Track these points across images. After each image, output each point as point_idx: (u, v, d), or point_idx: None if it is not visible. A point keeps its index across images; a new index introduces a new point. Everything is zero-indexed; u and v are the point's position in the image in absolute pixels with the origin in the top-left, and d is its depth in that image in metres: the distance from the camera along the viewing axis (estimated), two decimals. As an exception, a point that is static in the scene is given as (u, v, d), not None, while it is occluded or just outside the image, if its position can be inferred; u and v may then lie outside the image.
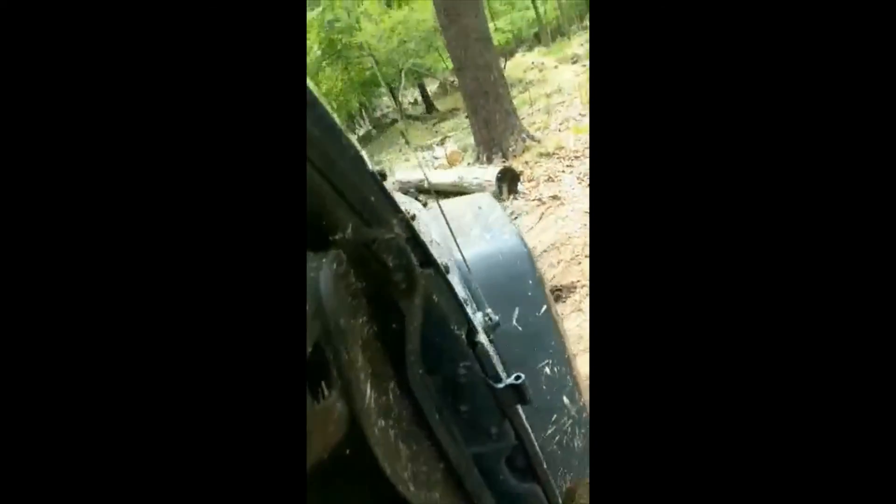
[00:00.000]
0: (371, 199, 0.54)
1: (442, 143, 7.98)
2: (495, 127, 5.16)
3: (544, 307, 1.08)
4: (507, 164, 4.69)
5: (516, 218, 3.82)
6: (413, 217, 0.64)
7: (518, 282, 1.11)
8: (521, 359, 1.01)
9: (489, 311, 0.91)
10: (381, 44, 9.63)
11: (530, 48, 14.07)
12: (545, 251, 3.08)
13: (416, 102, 14.38)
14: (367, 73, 10.82)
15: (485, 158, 5.32)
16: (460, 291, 0.80)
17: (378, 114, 15.02)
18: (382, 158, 8.44)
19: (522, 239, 1.19)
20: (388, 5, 10.03)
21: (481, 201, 1.48)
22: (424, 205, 1.77)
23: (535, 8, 14.30)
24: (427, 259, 0.65)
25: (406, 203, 0.89)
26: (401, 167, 7.15)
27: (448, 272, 0.73)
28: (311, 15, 9.83)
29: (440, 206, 1.10)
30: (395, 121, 12.09)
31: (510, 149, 5.12)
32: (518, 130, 5.22)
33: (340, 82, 10.78)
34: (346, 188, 0.51)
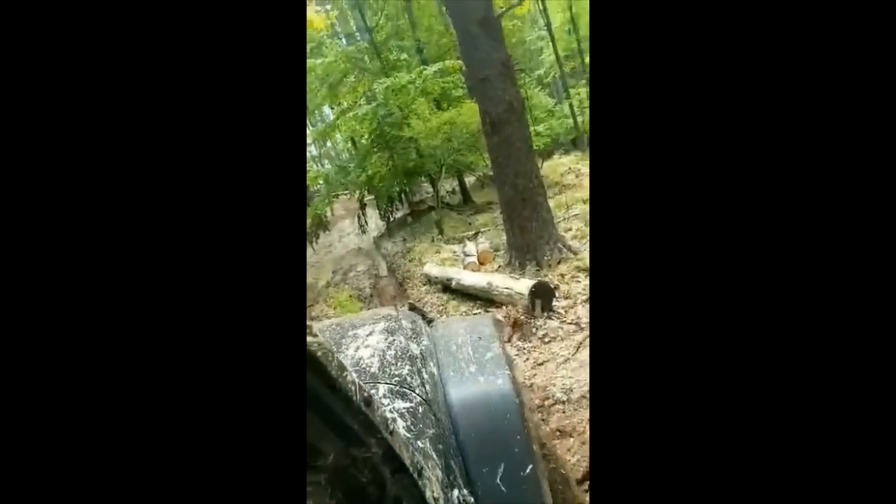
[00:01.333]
0: (354, 427, 0.59)
1: (474, 237, 7.75)
2: (530, 233, 4.85)
3: (530, 466, 1.00)
4: (542, 277, 4.28)
5: (523, 353, 3.40)
6: (392, 432, 0.66)
7: (505, 436, 1.04)
8: None
9: (465, 492, 0.89)
10: (427, 140, 9.94)
11: (566, 152, 14.32)
12: (582, 397, 2.52)
13: (453, 192, 14.64)
14: (411, 163, 11.07)
15: (517, 264, 4.95)
16: (438, 462, 0.82)
17: (417, 198, 15.35)
18: (414, 247, 8.27)
19: (516, 388, 1.14)
20: (438, 107, 10.45)
21: (483, 329, 1.39)
22: (429, 322, 1.69)
23: (574, 116, 14.74)
24: (400, 467, 0.67)
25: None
26: (431, 258, 6.87)
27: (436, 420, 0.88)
28: (367, 108, 10.34)
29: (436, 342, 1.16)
30: (431, 208, 12.20)
31: (545, 258, 4.74)
32: (554, 240, 4.88)
33: (385, 168, 11.03)
34: (333, 424, 0.56)
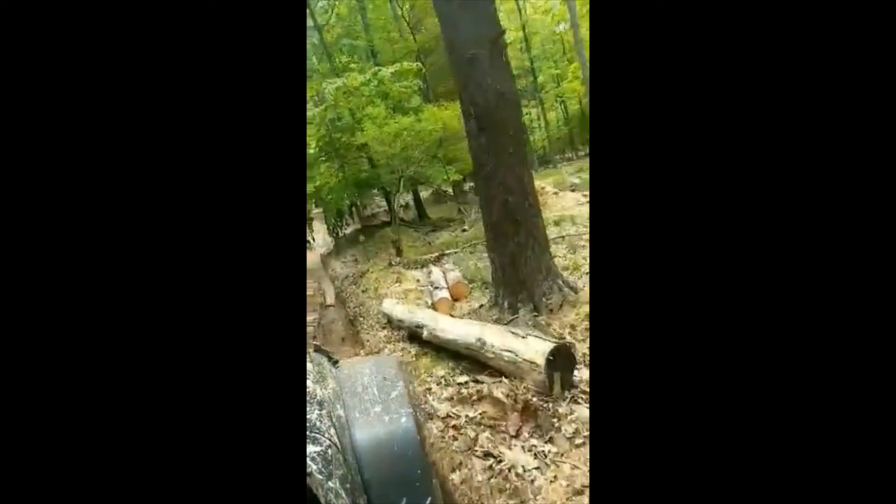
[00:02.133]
0: None
1: (438, 260, 6.51)
2: (522, 266, 3.68)
3: (429, 499, 1.07)
4: (551, 333, 3.08)
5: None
6: (309, 473, 0.72)
7: (407, 471, 1.11)
8: None
9: None
10: (382, 147, 8.71)
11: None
12: None
13: (407, 206, 13.42)
14: (363, 174, 9.67)
15: (505, 305, 3.75)
16: (346, 500, 0.89)
17: (367, 212, 13.90)
18: (368, 271, 6.87)
19: (417, 424, 1.18)
20: (395, 110, 9.16)
21: (387, 370, 1.39)
22: (335, 363, 1.58)
23: (526, 133, 14.07)
24: (315, 501, 0.70)
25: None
26: (389, 289, 5.52)
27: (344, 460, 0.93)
28: (314, 111, 8.88)
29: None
30: (385, 223, 10.86)
31: (543, 298, 3.58)
32: (553, 274, 3.74)
33: (334, 179, 9.55)
34: None
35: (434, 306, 4.45)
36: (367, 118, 8.63)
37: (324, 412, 1.08)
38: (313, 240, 10.48)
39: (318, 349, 1.85)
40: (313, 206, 10.27)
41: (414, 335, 3.85)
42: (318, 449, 0.92)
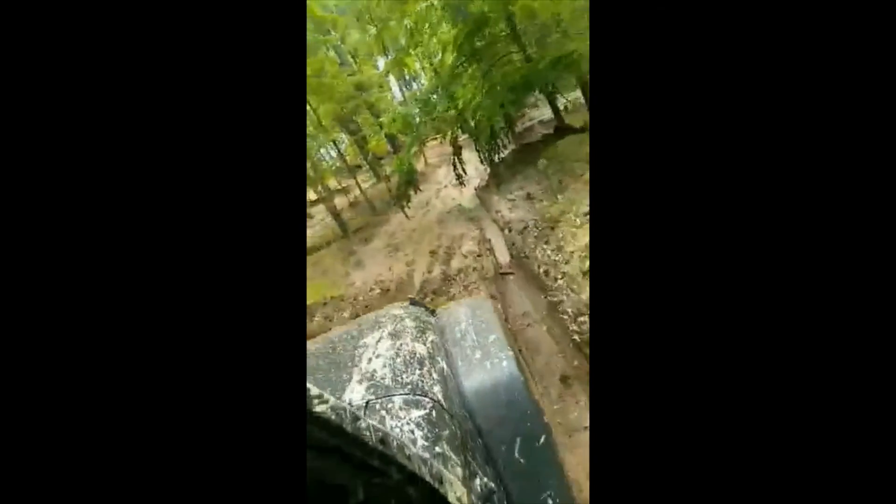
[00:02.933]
0: (375, 463, 0.65)
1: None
2: None
3: (543, 437, 1.06)
4: None
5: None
6: (409, 456, 0.73)
7: (517, 413, 1.09)
8: (525, 493, 1.03)
9: (485, 480, 0.92)
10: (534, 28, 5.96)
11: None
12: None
13: (567, 109, 10.32)
14: (519, 73, 6.98)
15: None
16: (457, 460, 0.86)
17: (518, 127, 11.18)
18: (555, 217, 4.54)
19: (520, 367, 1.17)
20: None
21: (483, 314, 1.40)
22: (432, 312, 1.58)
23: None
24: (421, 482, 0.72)
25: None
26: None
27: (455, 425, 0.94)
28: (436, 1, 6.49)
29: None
30: (549, 136, 8.23)
31: None
32: None
33: (481, 92, 7.19)
34: (356, 466, 0.61)
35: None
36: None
37: (424, 370, 1.11)
38: (464, 172, 8.51)
39: (413, 301, 1.74)
40: (459, 131, 8.19)
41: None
42: (421, 413, 0.93)
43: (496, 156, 8.40)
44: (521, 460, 1.02)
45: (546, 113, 12.20)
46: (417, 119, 7.86)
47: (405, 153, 7.96)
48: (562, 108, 9.59)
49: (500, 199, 6.67)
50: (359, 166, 15.27)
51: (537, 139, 8.85)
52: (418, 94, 7.51)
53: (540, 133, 9.57)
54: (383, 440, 0.66)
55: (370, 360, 1.21)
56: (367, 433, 0.63)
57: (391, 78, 14.93)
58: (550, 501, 1.02)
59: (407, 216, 8.44)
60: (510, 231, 5.19)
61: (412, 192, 8.33)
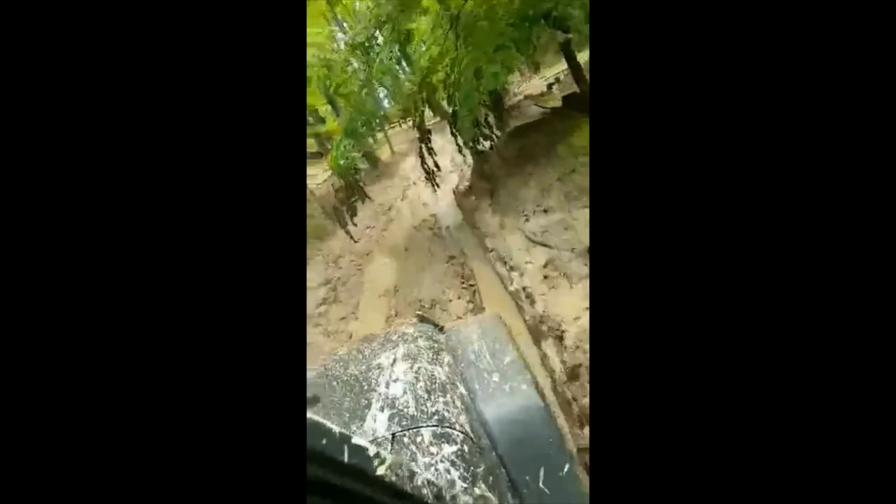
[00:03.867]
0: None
1: None
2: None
3: (567, 466, 1.00)
4: None
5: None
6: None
7: (540, 441, 1.04)
8: None
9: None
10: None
11: None
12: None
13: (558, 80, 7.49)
14: (503, 33, 4.11)
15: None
16: (494, 499, 0.81)
17: (505, 102, 8.25)
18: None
19: (539, 392, 1.11)
20: None
21: (495, 332, 1.32)
22: (441, 329, 1.43)
23: None
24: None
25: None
26: None
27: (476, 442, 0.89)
28: None
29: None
30: (557, 108, 5.48)
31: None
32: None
33: (458, 66, 4.35)
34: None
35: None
36: None
37: (448, 397, 1.04)
38: (437, 167, 5.70)
39: (422, 318, 1.59)
40: (423, 105, 5.32)
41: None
42: (454, 449, 0.87)
43: (480, 143, 5.55)
44: (547, 490, 0.94)
45: (535, 84, 9.37)
46: (360, 80, 4.90)
47: (339, 141, 5.04)
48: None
49: (496, 218, 3.88)
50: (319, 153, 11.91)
51: (537, 117, 6.07)
52: (355, 38, 4.40)
53: (537, 111, 6.78)
54: (438, 496, 0.64)
55: (388, 384, 1.13)
56: (424, 490, 0.62)
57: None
58: None
59: (352, 237, 5.60)
60: (525, 297, 2.38)
61: (357, 203, 5.44)
